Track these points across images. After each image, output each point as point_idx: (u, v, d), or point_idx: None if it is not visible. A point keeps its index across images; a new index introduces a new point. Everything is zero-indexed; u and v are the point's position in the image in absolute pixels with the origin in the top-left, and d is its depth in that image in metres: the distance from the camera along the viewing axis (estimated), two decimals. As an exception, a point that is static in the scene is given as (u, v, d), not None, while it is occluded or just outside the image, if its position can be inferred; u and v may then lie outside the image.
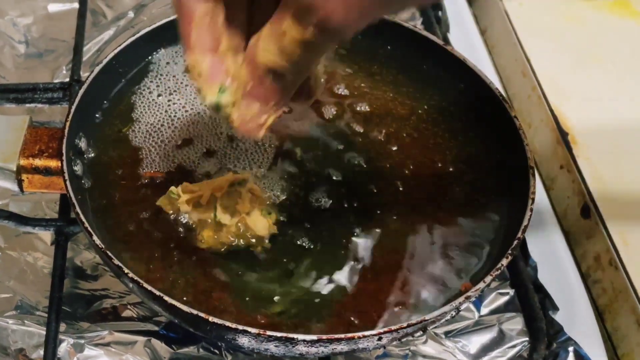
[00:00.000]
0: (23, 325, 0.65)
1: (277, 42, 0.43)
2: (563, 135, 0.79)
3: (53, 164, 0.62)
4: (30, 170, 0.62)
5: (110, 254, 0.55)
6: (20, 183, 0.63)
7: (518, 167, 0.62)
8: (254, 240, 0.60)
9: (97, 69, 0.67)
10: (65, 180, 0.58)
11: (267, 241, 0.61)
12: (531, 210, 0.58)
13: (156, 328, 0.65)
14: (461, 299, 0.54)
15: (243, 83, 0.46)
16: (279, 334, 0.51)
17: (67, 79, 0.82)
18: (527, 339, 0.66)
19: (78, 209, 0.57)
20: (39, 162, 0.62)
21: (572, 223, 0.77)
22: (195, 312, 0.52)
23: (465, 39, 0.90)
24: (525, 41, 0.88)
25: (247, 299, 0.57)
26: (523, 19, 0.91)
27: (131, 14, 0.93)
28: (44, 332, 0.63)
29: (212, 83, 0.47)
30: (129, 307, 0.66)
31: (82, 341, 0.64)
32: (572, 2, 0.93)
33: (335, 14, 0.41)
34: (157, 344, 0.64)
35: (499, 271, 0.55)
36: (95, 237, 0.55)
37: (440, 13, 0.91)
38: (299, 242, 0.61)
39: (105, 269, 0.69)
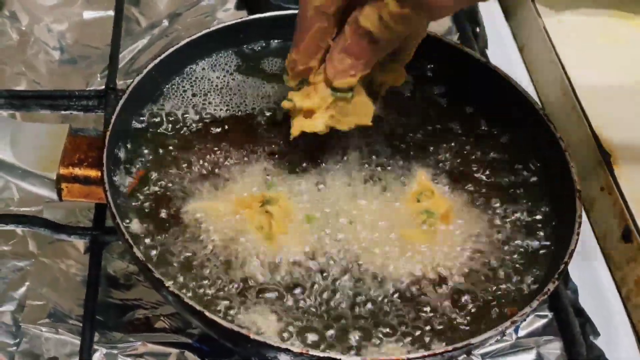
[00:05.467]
0: (57, 333, 0.64)
1: (378, 11, 0.52)
2: (604, 157, 0.77)
3: (93, 173, 0.61)
4: (69, 179, 0.62)
5: (150, 266, 0.54)
6: (59, 192, 0.62)
7: (563, 190, 0.61)
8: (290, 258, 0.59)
9: (137, 79, 0.66)
10: (105, 191, 0.58)
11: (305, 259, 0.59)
12: (578, 234, 0.57)
13: (189, 340, 0.65)
14: (507, 323, 0.53)
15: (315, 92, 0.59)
16: (321, 354, 0.50)
17: (101, 87, 0.82)
18: (565, 363, 0.65)
19: (119, 220, 0.57)
20: (78, 172, 0.62)
21: (613, 246, 0.75)
22: (237, 328, 0.51)
23: (503, 56, 0.89)
24: (565, 59, 0.87)
25: (282, 317, 0.56)
26: (562, 35, 0.89)
27: (165, 23, 0.92)
28: (77, 341, 0.63)
29: (297, 76, 0.60)
30: (162, 318, 0.66)
31: (115, 351, 0.64)
32: (613, 20, 0.92)
33: None
34: (191, 356, 0.64)
35: (546, 296, 0.54)
36: (135, 249, 0.55)
37: (477, 29, 0.90)
38: (337, 261, 0.60)
39: (139, 279, 0.68)
